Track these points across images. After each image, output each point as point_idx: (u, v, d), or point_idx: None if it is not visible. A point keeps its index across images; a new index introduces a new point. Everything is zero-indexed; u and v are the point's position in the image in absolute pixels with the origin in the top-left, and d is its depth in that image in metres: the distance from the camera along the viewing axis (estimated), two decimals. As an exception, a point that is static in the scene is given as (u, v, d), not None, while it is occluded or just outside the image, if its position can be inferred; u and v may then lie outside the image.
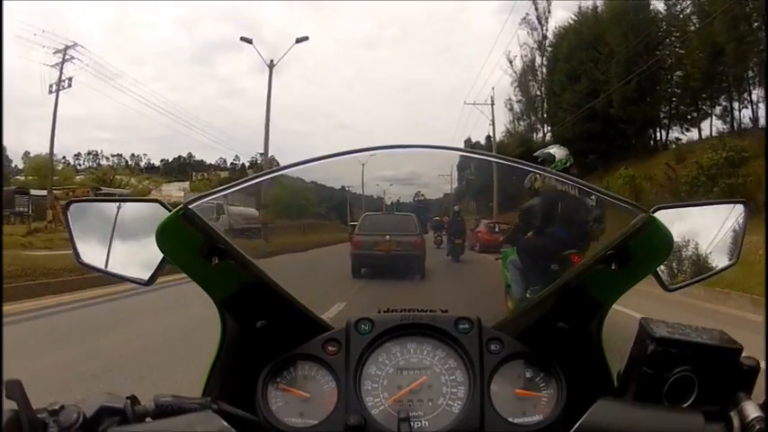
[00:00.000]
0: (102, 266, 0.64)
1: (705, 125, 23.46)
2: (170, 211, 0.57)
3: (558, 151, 1.50)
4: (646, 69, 20.99)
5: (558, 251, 1.15)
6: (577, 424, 0.50)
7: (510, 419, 0.67)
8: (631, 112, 22.78)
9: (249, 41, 18.29)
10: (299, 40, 18.55)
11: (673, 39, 22.70)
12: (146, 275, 0.62)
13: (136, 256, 0.63)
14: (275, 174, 0.63)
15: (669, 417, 0.50)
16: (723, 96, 22.12)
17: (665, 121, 24.62)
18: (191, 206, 0.56)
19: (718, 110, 22.63)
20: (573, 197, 1.12)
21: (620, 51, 22.18)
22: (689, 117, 23.92)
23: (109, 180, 28.82)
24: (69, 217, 0.64)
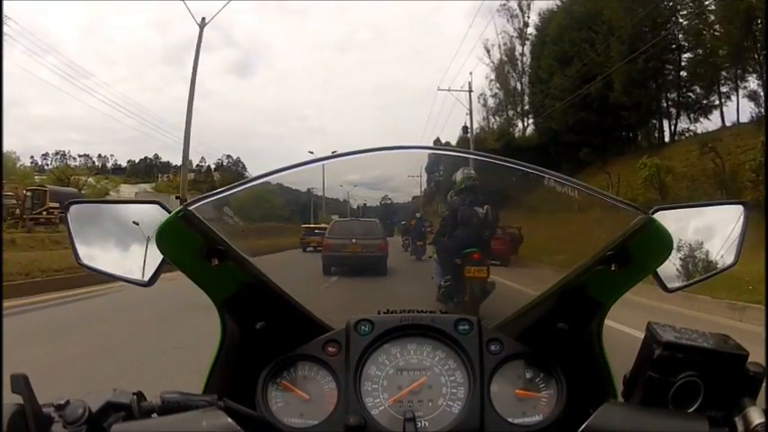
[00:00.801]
0: (102, 267, 0.64)
1: (723, 113, 18.76)
2: (170, 212, 0.58)
3: (458, 174, 1.70)
4: (655, 44, 17.43)
5: (461, 249, 1.49)
6: (582, 427, 0.50)
7: (510, 420, 0.68)
8: (637, 96, 19.15)
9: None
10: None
11: (685, 12, 18.65)
12: (146, 276, 0.62)
13: (136, 258, 0.63)
14: (274, 175, 0.63)
15: (674, 421, 0.50)
16: (754, 75, 17.27)
17: (673, 109, 20.50)
18: (190, 207, 0.56)
19: (741, 93, 17.89)
20: (467, 208, 1.44)
21: (622, 27, 18.32)
22: (698, 105, 19.64)
23: (66, 180, 28.46)
24: (69, 218, 0.64)
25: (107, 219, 0.66)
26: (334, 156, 0.62)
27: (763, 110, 16.74)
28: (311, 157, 0.62)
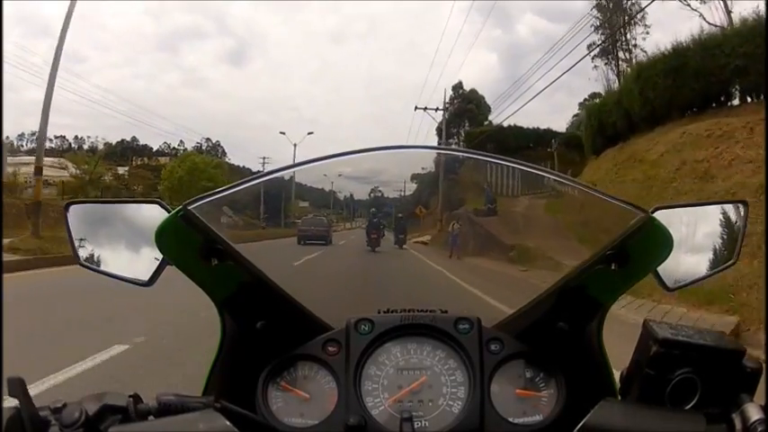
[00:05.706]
0: (102, 268, 0.64)
1: None
2: (169, 211, 0.58)
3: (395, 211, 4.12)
4: None
5: (399, 232, 5.04)
6: (580, 425, 0.50)
7: (510, 419, 0.67)
8: None
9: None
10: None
11: None
12: (146, 276, 0.62)
13: (135, 257, 0.63)
14: (276, 174, 0.63)
15: (671, 418, 0.50)
16: None
17: None
18: (190, 207, 0.56)
19: None
20: (399, 220, 4.93)
21: None
22: None
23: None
24: (68, 218, 0.64)
25: (106, 218, 0.66)
26: (333, 156, 0.62)
27: None
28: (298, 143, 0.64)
